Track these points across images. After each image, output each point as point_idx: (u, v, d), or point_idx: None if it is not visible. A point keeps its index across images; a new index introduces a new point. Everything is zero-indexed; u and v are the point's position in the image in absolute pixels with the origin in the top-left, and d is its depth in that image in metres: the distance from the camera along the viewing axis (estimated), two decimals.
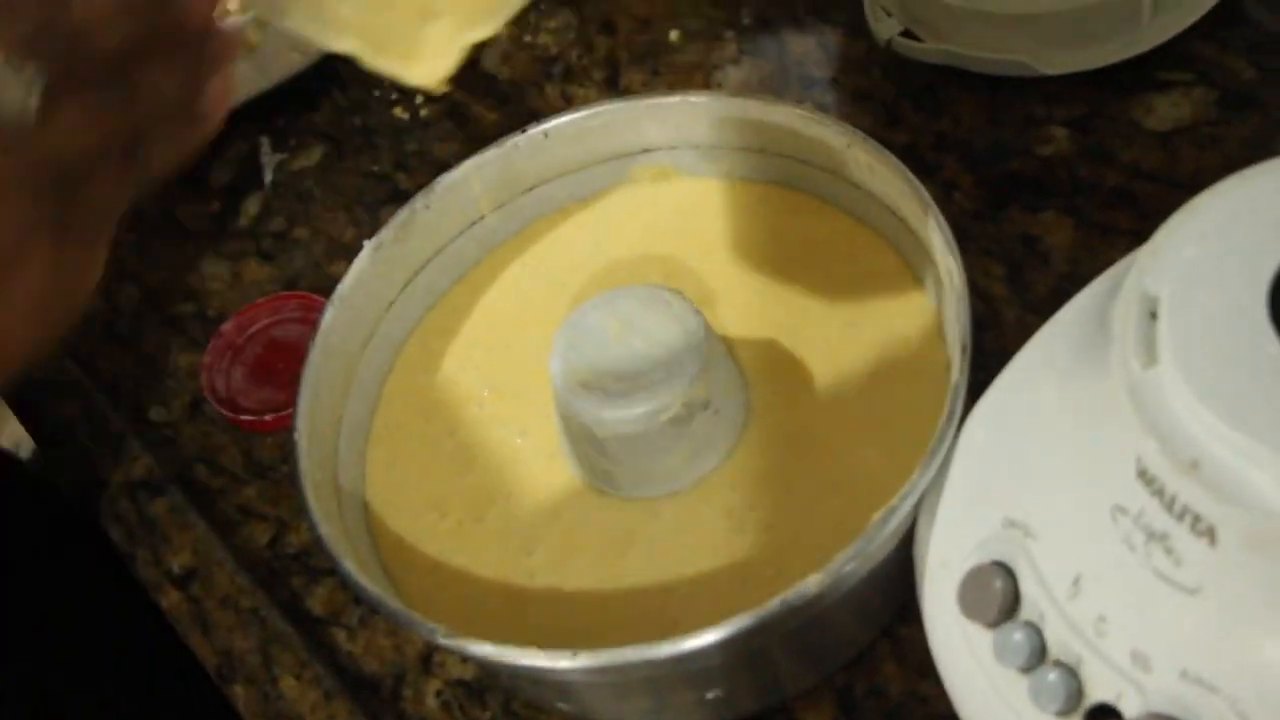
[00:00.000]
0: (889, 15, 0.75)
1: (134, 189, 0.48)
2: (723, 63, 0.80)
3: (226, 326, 0.74)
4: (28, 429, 0.77)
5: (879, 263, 0.61)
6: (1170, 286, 0.40)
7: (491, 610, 0.56)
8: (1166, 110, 0.70)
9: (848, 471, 0.55)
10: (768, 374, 0.59)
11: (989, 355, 0.51)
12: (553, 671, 0.51)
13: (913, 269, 0.60)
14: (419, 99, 0.84)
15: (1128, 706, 0.41)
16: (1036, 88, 0.72)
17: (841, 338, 0.59)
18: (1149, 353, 0.39)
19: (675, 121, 0.64)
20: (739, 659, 0.52)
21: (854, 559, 0.48)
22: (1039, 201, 0.69)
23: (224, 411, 0.71)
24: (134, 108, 0.46)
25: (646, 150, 0.65)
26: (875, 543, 0.49)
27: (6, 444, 0.89)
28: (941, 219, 0.55)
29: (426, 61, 0.53)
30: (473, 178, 0.64)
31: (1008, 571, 0.44)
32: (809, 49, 0.80)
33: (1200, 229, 0.41)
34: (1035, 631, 0.43)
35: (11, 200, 0.44)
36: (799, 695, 0.57)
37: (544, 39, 0.85)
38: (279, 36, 0.79)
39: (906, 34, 0.74)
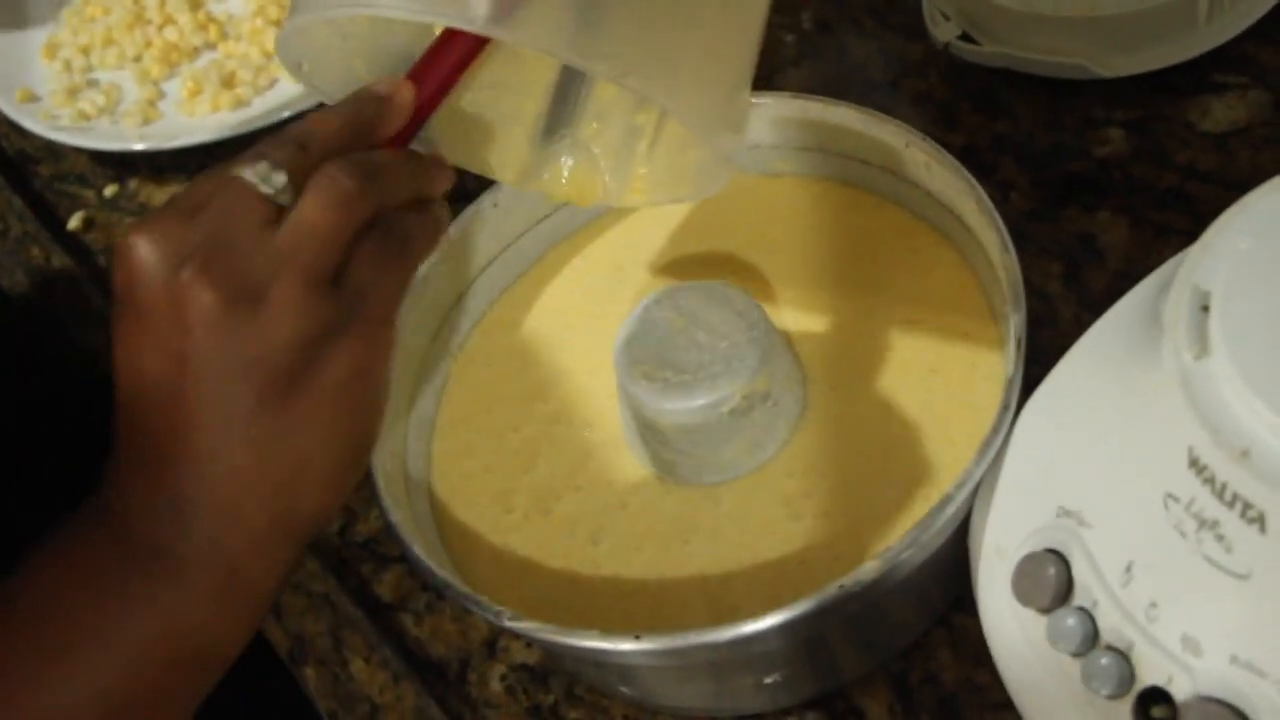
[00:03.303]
0: (947, 19, 0.76)
1: (400, 277, 0.48)
2: (784, 65, 0.81)
3: None
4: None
5: (936, 259, 0.62)
6: (1222, 280, 0.41)
7: (556, 598, 0.58)
8: (1222, 112, 0.71)
9: (903, 462, 0.56)
10: (825, 366, 0.60)
11: (1044, 351, 0.52)
12: (616, 654, 0.52)
13: (969, 265, 0.61)
14: None
15: (1178, 690, 0.42)
16: (1093, 90, 0.73)
17: (898, 331, 0.60)
18: (1201, 344, 0.40)
19: None
20: (797, 644, 0.54)
21: (910, 546, 0.50)
22: (1095, 202, 0.70)
23: None
24: (373, 184, 0.47)
25: None
26: (931, 531, 0.50)
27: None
28: (997, 217, 0.56)
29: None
30: None
31: (1061, 559, 0.45)
32: (868, 52, 0.81)
33: (1252, 224, 0.42)
34: (1088, 617, 0.44)
35: (289, 275, 0.45)
36: (855, 681, 0.58)
37: None
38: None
39: (964, 37, 0.75)
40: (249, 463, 0.45)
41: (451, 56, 0.51)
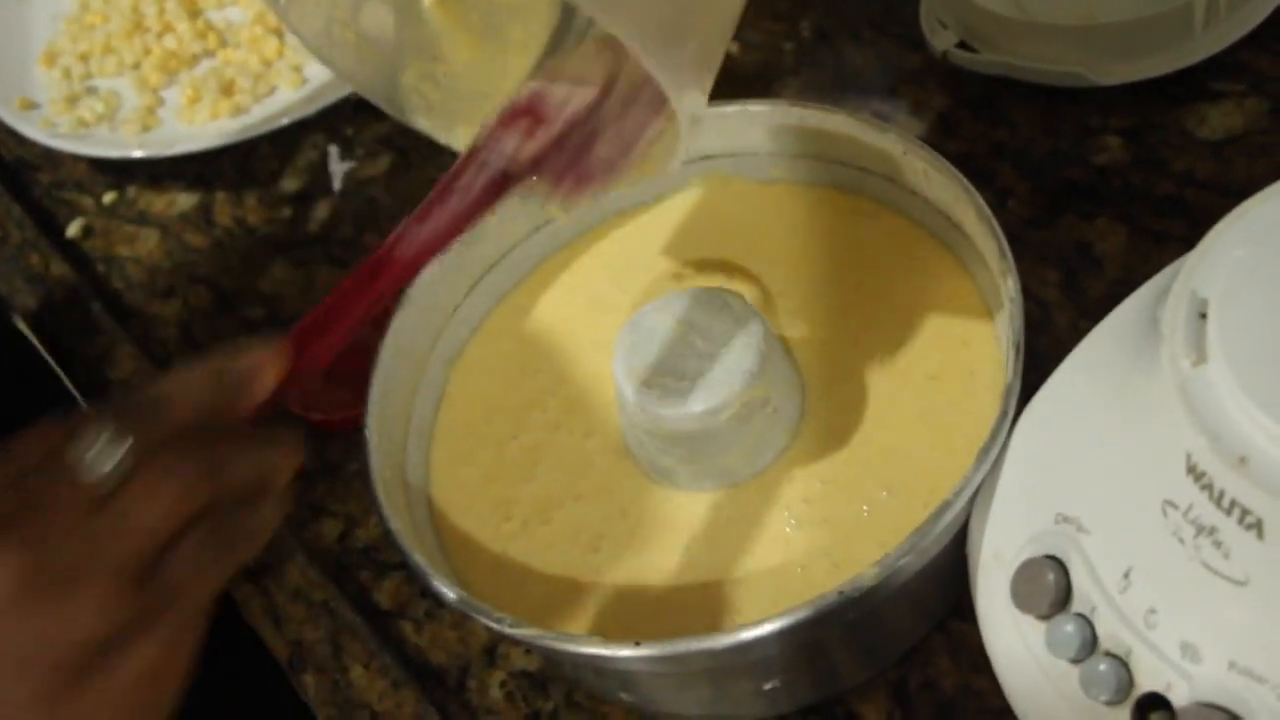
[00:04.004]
0: (945, 27, 0.76)
1: (216, 580, 0.45)
2: (782, 73, 0.82)
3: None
4: None
5: (934, 266, 0.62)
6: (1219, 287, 0.41)
7: (556, 605, 0.58)
8: (1219, 120, 0.71)
9: (902, 468, 0.57)
10: (824, 373, 0.60)
11: (1042, 358, 0.52)
12: (615, 661, 0.52)
13: (967, 272, 0.61)
14: None
15: (1177, 696, 0.42)
16: (1091, 98, 0.73)
17: (896, 338, 0.60)
18: (1198, 351, 0.41)
19: (735, 128, 0.65)
20: (796, 650, 0.54)
21: (909, 553, 0.50)
22: (1093, 209, 0.70)
23: (295, 411, 0.73)
24: (210, 478, 0.44)
25: (707, 157, 0.67)
26: (930, 537, 0.50)
27: None
28: (996, 224, 0.56)
29: None
30: None
31: (1060, 565, 0.45)
32: (866, 60, 0.81)
33: (1249, 231, 0.42)
34: (1086, 623, 0.44)
35: (102, 568, 0.42)
36: (854, 688, 0.58)
37: None
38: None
39: (962, 45, 0.75)
40: None
41: (341, 321, 0.49)
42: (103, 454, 0.43)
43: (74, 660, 0.42)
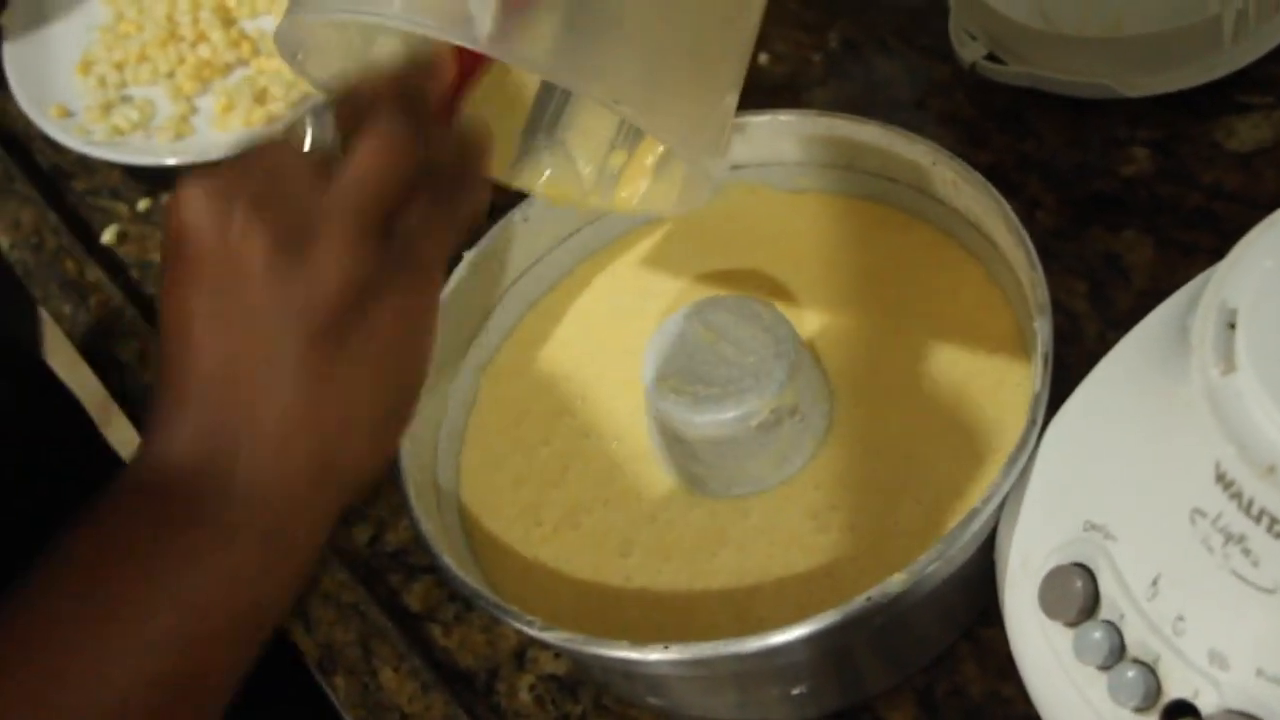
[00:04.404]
0: (973, 39, 0.76)
1: (446, 238, 0.48)
2: (810, 84, 0.82)
3: None
4: (139, 431, 0.80)
5: (963, 275, 0.62)
6: (1249, 297, 0.41)
7: (585, 609, 0.58)
8: (1247, 132, 0.71)
9: (930, 476, 0.57)
10: (852, 382, 0.61)
11: (1070, 368, 0.52)
12: (644, 665, 0.53)
13: (996, 282, 0.62)
14: None
15: (1205, 704, 0.42)
16: (1119, 110, 0.73)
17: (925, 347, 0.61)
18: (1227, 360, 0.41)
19: (765, 139, 0.66)
20: (824, 656, 0.54)
21: (937, 560, 0.50)
22: (1121, 220, 0.70)
23: None
24: (422, 141, 0.47)
25: (736, 166, 0.67)
26: (958, 544, 0.50)
27: (115, 443, 0.93)
28: (1025, 234, 0.56)
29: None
30: None
31: (1088, 572, 0.46)
32: (895, 72, 0.81)
33: (1278, 242, 0.42)
34: (1114, 630, 0.45)
35: (339, 226, 0.44)
36: (881, 694, 0.59)
37: None
38: None
39: (991, 57, 0.76)
40: (297, 406, 0.45)
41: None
42: (320, 124, 0.46)
43: (336, 308, 0.45)
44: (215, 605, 0.45)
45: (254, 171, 0.46)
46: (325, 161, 0.46)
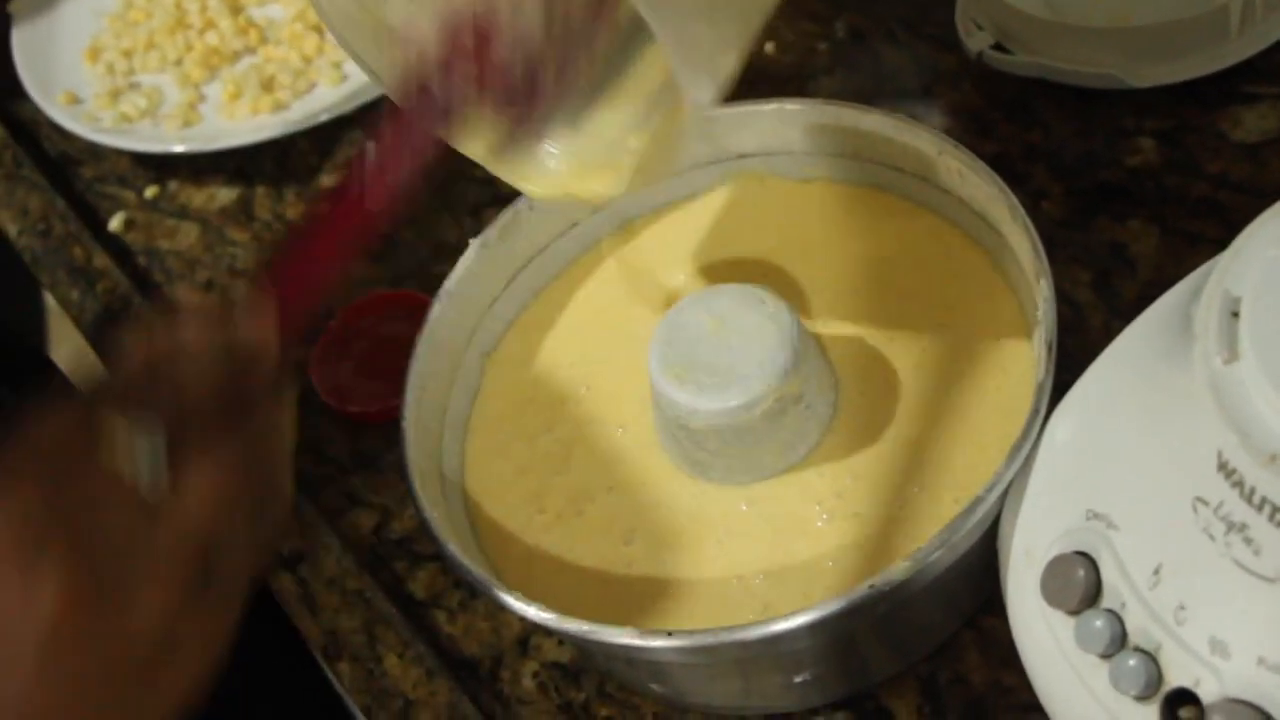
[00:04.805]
0: (980, 29, 0.76)
1: (260, 556, 0.46)
2: (817, 73, 0.82)
3: (335, 323, 0.77)
4: None
5: (968, 264, 0.62)
6: (1252, 286, 0.41)
7: (589, 596, 0.59)
8: (1253, 123, 0.71)
9: (933, 464, 0.57)
10: (857, 370, 0.61)
11: (1074, 357, 0.52)
12: (648, 651, 0.53)
13: (1001, 271, 0.62)
14: None
15: (1205, 692, 0.42)
16: (1125, 100, 0.73)
17: (930, 336, 0.61)
18: (1231, 349, 0.41)
19: (771, 127, 0.66)
20: (827, 644, 0.54)
21: (940, 548, 0.50)
22: (1126, 211, 0.70)
23: (332, 403, 0.74)
24: (248, 455, 0.45)
25: (742, 155, 0.68)
26: (961, 532, 0.50)
27: None
28: (1030, 224, 0.56)
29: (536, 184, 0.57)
30: None
31: (1090, 561, 0.46)
32: (901, 61, 0.81)
33: None
34: (1116, 619, 0.45)
35: (164, 576, 0.42)
36: (884, 682, 0.59)
37: None
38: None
39: (997, 47, 0.76)
40: None
41: (315, 250, 0.50)
42: (143, 456, 0.43)
43: (142, 659, 0.42)
44: None
45: (67, 497, 0.41)
46: (146, 489, 0.42)
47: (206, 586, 0.43)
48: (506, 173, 0.57)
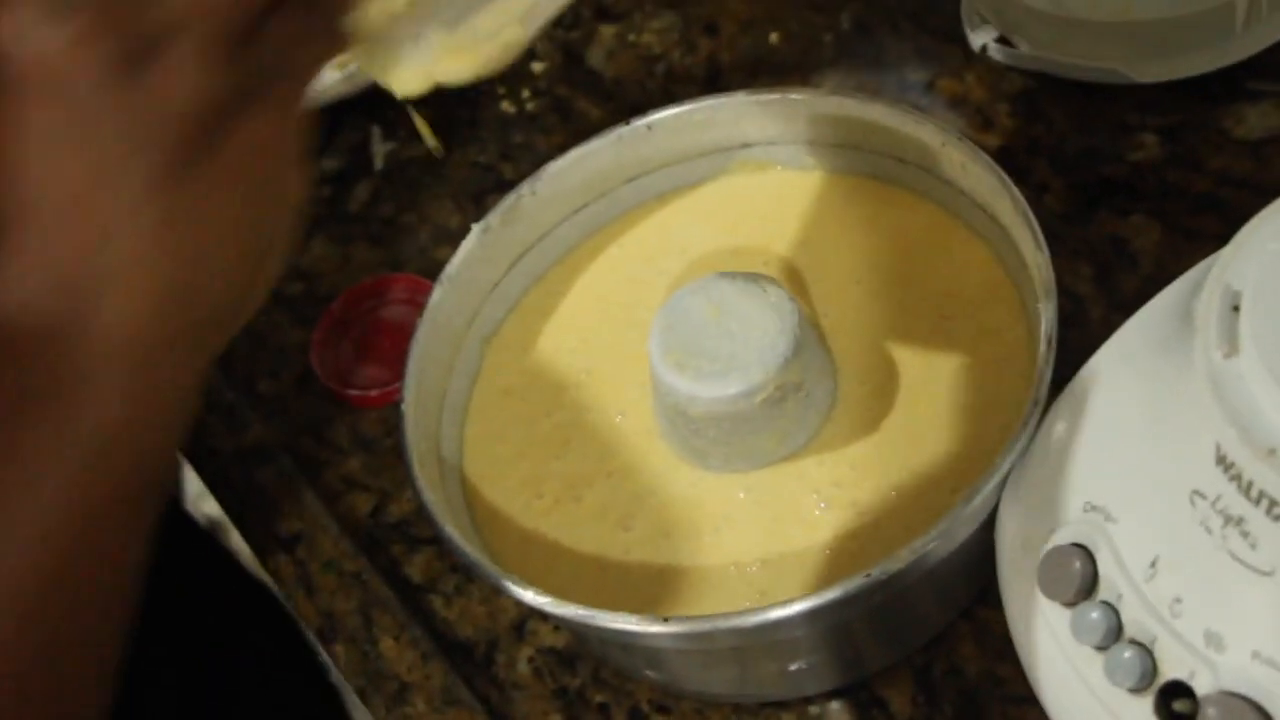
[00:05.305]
0: (985, 22, 0.76)
1: (315, 53, 0.43)
2: (821, 65, 0.82)
3: (335, 306, 0.77)
4: None
5: (969, 256, 0.62)
6: (1253, 280, 0.41)
7: (585, 582, 0.59)
8: (1256, 120, 0.71)
9: (932, 455, 0.57)
10: (857, 359, 0.61)
11: (1074, 351, 0.53)
12: (643, 637, 0.53)
13: (1002, 263, 0.62)
14: (525, 93, 0.87)
15: (1200, 685, 0.42)
16: (1129, 95, 0.73)
17: (930, 326, 0.61)
18: (1230, 343, 0.41)
19: (774, 117, 0.66)
20: (823, 632, 0.54)
21: (937, 538, 0.50)
22: (1128, 205, 0.70)
23: (332, 386, 0.74)
24: None
25: (746, 145, 0.68)
26: (959, 523, 0.51)
27: None
28: (1031, 217, 0.56)
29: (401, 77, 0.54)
30: (577, 166, 0.67)
31: (1087, 553, 0.46)
32: (906, 54, 0.81)
33: None
34: (1112, 611, 0.45)
35: (189, 48, 0.39)
36: (879, 672, 0.59)
37: (648, 38, 0.87)
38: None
39: (1002, 41, 0.76)
40: (145, 240, 0.40)
41: None
42: None
43: (184, 133, 0.39)
44: (93, 458, 0.40)
45: None
46: None
47: (250, 52, 0.40)
48: (378, 72, 0.54)
